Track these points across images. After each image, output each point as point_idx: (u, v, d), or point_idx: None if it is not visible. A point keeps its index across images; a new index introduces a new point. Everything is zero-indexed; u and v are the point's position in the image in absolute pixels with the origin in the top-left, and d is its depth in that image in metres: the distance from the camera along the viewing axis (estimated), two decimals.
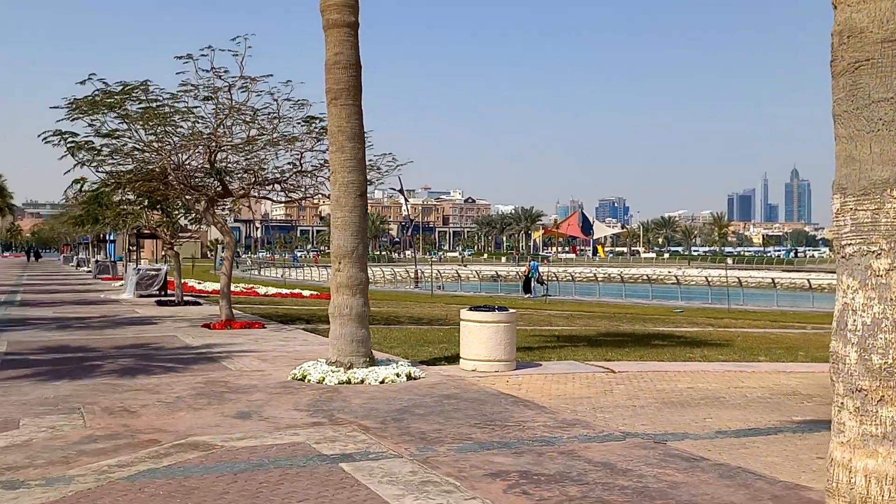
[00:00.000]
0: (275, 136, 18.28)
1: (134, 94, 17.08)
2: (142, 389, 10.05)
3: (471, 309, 12.11)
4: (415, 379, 10.84)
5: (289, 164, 19.36)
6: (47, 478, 6.11)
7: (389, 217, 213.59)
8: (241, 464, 6.58)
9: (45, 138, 17.24)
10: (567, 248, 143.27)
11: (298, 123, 18.27)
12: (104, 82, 16.87)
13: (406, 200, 62.31)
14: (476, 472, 6.38)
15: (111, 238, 59.96)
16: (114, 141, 17.70)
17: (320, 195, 21.46)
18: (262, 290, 35.60)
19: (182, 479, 6.13)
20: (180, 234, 29.63)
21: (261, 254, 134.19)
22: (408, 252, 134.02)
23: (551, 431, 7.83)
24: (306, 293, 35.09)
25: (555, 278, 46.94)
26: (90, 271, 55.58)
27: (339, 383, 10.52)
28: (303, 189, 20.37)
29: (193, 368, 11.90)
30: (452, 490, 5.88)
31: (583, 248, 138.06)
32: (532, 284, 42.05)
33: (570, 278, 51.26)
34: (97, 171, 18.73)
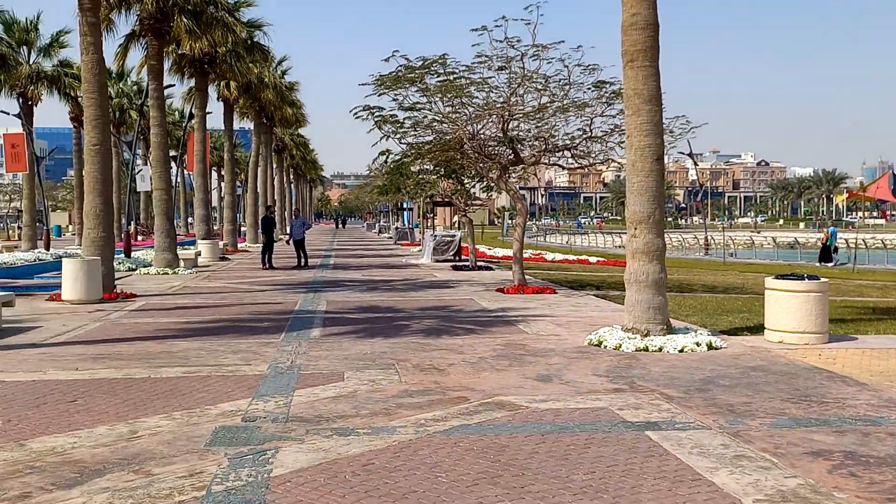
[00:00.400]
0: (565, 102, 18.34)
1: (433, 69, 17.88)
2: (447, 349, 10.58)
3: (777, 277, 11.42)
4: (716, 349, 10.45)
5: (578, 130, 19.38)
6: (372, 427, 6.63)
7: (675, 182, 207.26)
8: (547, 426, 6.71)
9: (355, 113, 18.60)
10: (876, 213, 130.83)
11: (589, 89, 18.21)
12: (406, 58, 17.84)
13: (695, 164, 59.95)
14: (794, 449, 6.02)
15: (408, 206, 63.66)
16: (415, 113, 18.70)
17: (610, 160, 21.29)
18: (548, 256, 36.09)
19: (493, 436, 6.38)
20: (473, 202, 30.74)
21: (545, 220, 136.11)
22: (695, 218, 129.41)
23: (876, 410, 7.20)
24: (593, 259, 35.07)
25: (863, 245, 43.02)
26: (390, 237, 59.43)
27: (636, 350, 10.40)
28: (592, 155, 20.28)
29: (492, 331, 12.34)
30: (770, 467, 5.60)
31: (893, 212, 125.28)
32: (831, 252, 38.87)
33: (881, 245, 46.77)
34: (400, 143, 19.92)
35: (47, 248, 34.34)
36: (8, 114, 37.98)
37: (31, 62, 38.10)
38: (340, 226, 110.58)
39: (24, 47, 38.05)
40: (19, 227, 53.41)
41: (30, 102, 38.07)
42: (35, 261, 26.99)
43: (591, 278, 22.93)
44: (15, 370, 9.13)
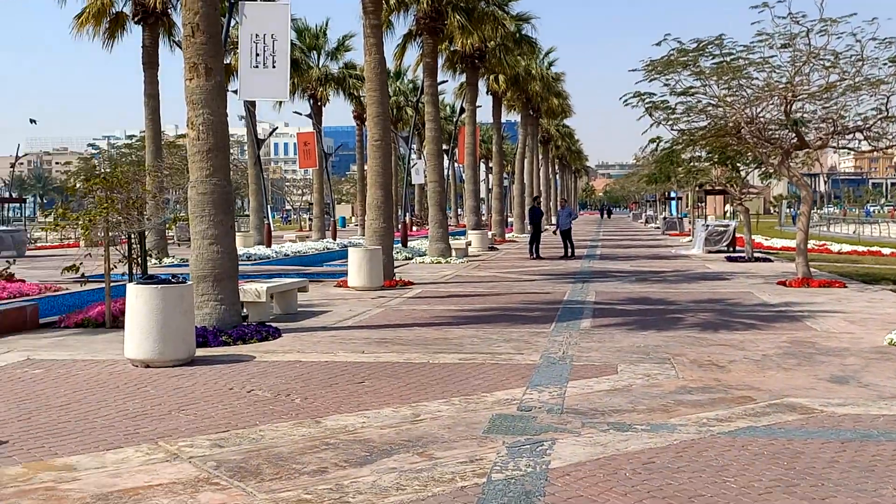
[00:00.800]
0: (857, 80, 16.81)
1: (707, 50, 17.10)
2: (725, 344, 10.05)
3: None
4: None
5: (873, 109, 17.69)
6: (651, 424, 6.40)
7: None
8: (846, 432, 6.12)
9: (625, 100, 18.22)
10: None
11: (884, 64, 16.58)
12: (679, 41, 17.22)
13: None
14: None
15: (676, 195, 61.78)
16: (688, 98, 17.99)
17: None
18: (834, 247, 33.36)
19: (784, 441, 5.92)
20: (748, 190, 29.13)
21: (827, 209, 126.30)
22: None
23: None
24: (886, 251, 31.91)
25: None
26: (657, 227, 57.98)
27: None
28: (889, 136, 18.44)
29: (775, 326, 11.56)
30: None
31: None
32: None
33: None
34: (671, 130, 19.24)
35: (334, 238, 37.12)
36: (301, 114, 41.46)
37: (319, 65, 41.25)
38: (605, 215, 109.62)
39: (314, 52, 41.30)
40: (310, 219, 58.21)
41: (319, 103, 41.29)
42: (324, 250, 29.25)
43: (886, 271, 20.88)
44: (310, 351, 9.87)
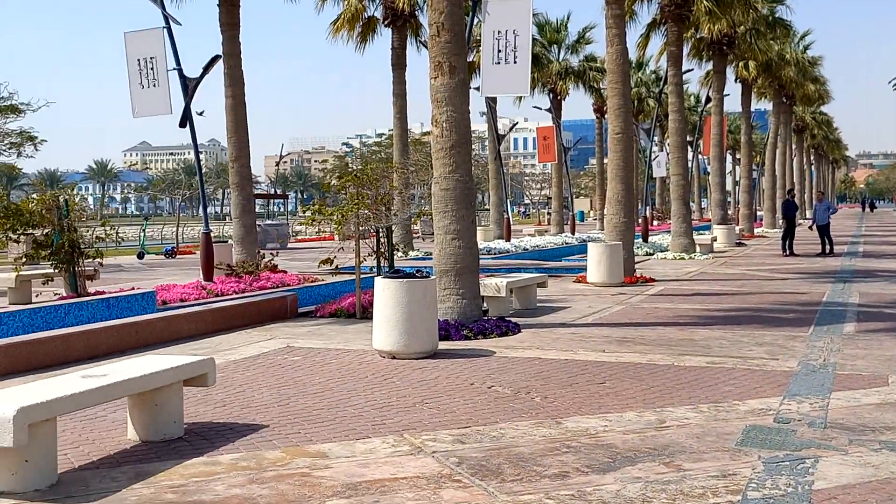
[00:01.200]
0: None
1: None
2: None
3: None
4: None
5: None
6: None
7: None
8: None
9: (894, 84, 16.59)
10: None
11: None
12: None
13: None
14: None
15: None
16: None
17: None
18: None
19: None
20: None
21: None
22: None
23: None
24: None
25: None
26: None
27: None
28: None
29: None
30: None
31: None
32: None
33: None
34: None
35: (573, 232, 36.93)
36: (540, 109, 41.58)
37: (559, 59, 41.17)
38: (868, 209, 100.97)
39: (554, 46, 41.28)
40: (548, 213, 58.35)
41: (558, 97, 41.21)
42: (562, 244, 29.13)
43: None
44: (549, 348, 9.77)
